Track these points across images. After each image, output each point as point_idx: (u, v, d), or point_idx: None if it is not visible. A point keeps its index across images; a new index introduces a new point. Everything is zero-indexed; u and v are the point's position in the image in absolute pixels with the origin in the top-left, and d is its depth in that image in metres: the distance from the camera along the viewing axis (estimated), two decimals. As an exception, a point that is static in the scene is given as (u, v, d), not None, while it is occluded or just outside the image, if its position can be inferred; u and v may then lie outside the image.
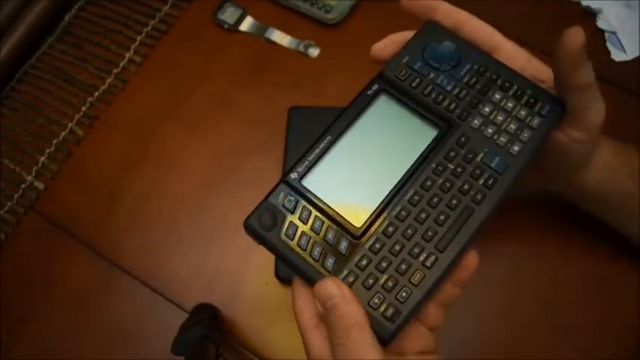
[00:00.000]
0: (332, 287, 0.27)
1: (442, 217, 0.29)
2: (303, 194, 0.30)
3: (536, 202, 0.44)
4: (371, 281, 0.28)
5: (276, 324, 0.43)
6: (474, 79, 0.32)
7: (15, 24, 0.54)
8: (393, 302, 0.28)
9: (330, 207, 0.30)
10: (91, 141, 0.52)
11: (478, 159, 0.30)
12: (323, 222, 0.29)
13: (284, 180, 0.30)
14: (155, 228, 0.47)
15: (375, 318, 0.28)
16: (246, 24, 0.54)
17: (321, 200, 0.30)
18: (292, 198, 0.30)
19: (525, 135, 0.31)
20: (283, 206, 0.30)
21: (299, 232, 0.29)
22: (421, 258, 0.28)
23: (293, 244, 0.29)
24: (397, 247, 0.29)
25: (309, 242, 0.29)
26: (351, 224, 0.29)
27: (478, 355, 0.41)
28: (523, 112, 0.31)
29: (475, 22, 0.33)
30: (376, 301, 0.28)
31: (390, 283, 0.28)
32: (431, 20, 0.33)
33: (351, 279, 0.28)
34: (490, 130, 0.31)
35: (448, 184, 0.30)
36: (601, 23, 0.50)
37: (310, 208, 0.30)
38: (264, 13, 0.54)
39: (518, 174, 0.30)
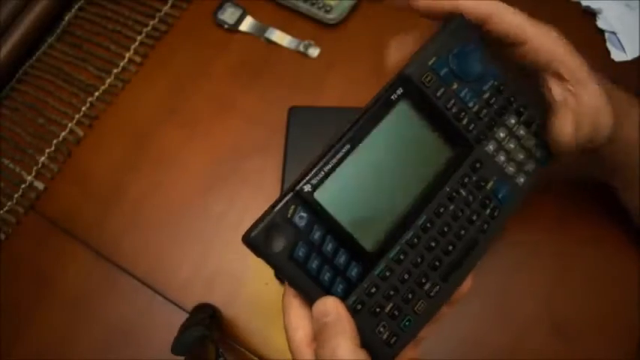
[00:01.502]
0: (330, 306, 0.26)
1: (450, 247, 0.28)
2: (317, 211, 0.27)
3: (536, 201, 0.44)
4: (378, 309, 0.27)
5: (276, 324, 0.43)
6: (494, 98, 0.30)
7: (15, 24, 0.54)
8: (396, 330, 0.28)
9: (343, 228, 0.27)
10: (90, 141, 0.52)
11: (488, 187, 0.29)
12: (336, 245, 0.27)
13: (295, 191, 0.26)
14: (155, 228, 0.47)
15: (378, 344, 0.27)
16: (246, 24, 0.54)
17: (334, 219, 0.27)
18: (305, 215, 0.26)
19: (529, 167, 0.30)
20: (294, 223, 0.26)
21: (311, 256, 0.26)
22: (426, 287, 0.28)
23: (302, 266, 0.26)
24: (405, 276, 0.28)
25: (320, 267, 0.27)
26: (364, 250, 0.27)
27: (478, 355, 0.41)
28: (531, 142, 0.30)
29: (501, 15, 0.30)
30: (381, 329, 0.27)
31: (396, 312, 0.28)
32: (461, 15, 0.30)
33: (359, 307, 0.27)
34: (502, 158, 0.30)
35: (459, 213, 0.29)
36: (601, 23, 0.50)
37: (323, 228, 0.27)
38: (264, 13, 0.54)
39: (517, 207, 0.30)
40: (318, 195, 0.27)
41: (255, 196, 0.47)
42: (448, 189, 0.29)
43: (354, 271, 0.27)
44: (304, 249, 0.26)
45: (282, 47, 0.53)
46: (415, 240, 0.28)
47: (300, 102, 0.48)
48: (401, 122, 0.28)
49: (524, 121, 0.30)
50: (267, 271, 0.43)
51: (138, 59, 0.54)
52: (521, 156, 0.30)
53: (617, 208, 0.40)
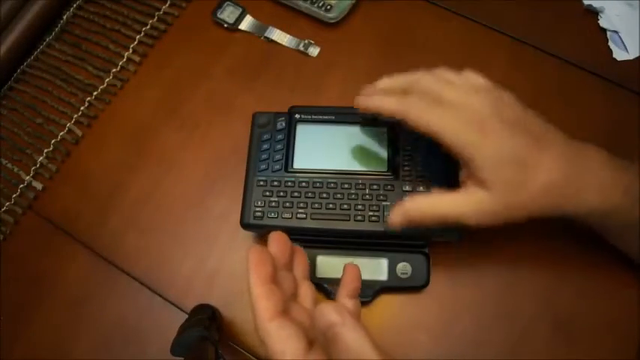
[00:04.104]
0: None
1: (331, 205, 0.40)
2: (290, 127, 0.45)
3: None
4: (268, 194, 0.42)
5: (275, 325, 0.43)
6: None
7: (13, 23, 0.54)
8: (266, 211, 0.42)
9: (295, 147, 0.44)
10: (89, 141, 0.51)
11: (383, 203, 0.40)
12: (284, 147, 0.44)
13: (291, 112, 0.45)
14: (154, 228, 0.47)
15: (251, 209, 0.42)
16: (246, 23, 0.54)
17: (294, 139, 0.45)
18: (284, 124, 0.45)
19: None
20: (276, 122, 0.45)
21: (269, 140, 0.44)
22: (302, 209, 0.41)
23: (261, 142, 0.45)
24: (296, 194, 0.42)
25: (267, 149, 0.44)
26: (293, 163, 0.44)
27: (479, 355, 0.41)
28: None
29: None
30: (259, 204, 0.42)
31: (274, 203, 0.42)
32: None
33: (262, 183, 0.42)
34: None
35: (353, 196, 0.41)
36: (603, 22, 0.50)
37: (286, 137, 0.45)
38: (264, 12, 0.54)
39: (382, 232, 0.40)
40: (299, 125, 0.44)
41: (255, 196, 0.47)
42: (361, 180, 0.41)
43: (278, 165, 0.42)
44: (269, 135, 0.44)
45: (282, 46, 0.53)
46: (319, 183, 0.41)
47: (300, 101, 0.47)
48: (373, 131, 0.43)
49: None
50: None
51: (137, 58, 0.54)
52: None
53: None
